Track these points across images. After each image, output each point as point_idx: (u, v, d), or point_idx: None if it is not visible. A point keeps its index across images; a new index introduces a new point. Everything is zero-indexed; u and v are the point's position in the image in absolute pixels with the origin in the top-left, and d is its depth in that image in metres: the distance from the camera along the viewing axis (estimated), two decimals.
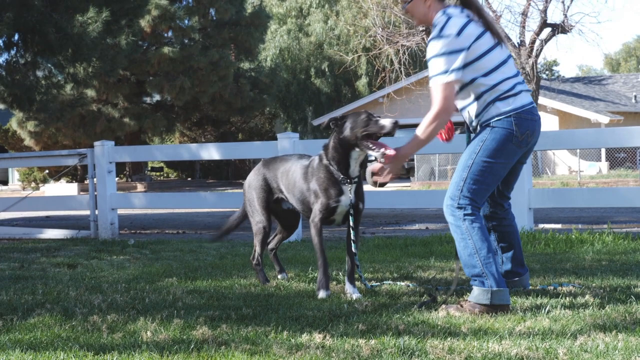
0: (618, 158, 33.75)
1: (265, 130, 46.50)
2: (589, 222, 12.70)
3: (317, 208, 5.78)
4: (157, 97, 37.48)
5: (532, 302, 5.22)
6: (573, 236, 8.90)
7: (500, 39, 5.25)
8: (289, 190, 6.08)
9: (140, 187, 35.73)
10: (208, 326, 4.65)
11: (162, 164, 48.04)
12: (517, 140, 5.13)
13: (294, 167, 6.07)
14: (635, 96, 42.38)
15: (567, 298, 5.33)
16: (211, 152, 11.79)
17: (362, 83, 44.54)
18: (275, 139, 10.67)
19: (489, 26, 5.22)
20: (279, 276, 6.54)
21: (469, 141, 5.46)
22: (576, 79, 47.97)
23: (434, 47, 5.09)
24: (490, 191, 5.23)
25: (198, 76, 33.27)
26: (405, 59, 28.54)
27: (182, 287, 6.12)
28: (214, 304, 5.40)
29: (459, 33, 5.08)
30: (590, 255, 7.62)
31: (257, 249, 6.30)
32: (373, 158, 5.55)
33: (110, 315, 4.96)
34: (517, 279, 5.69)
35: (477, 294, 5.05)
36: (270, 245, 6.66)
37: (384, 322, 4.74)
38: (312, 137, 44.54)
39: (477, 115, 5.21)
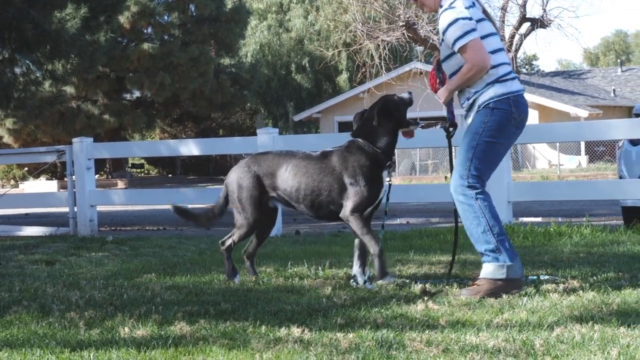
0: (597, 152, 33.93)
1: (246, 126, 46.44)
2: (568, 215, 12.75)
3: (359, 200, 5.64)
4: (137, 94, 37.36)
5: (510, 295, 5.23)
6: (552, 229, 8.93)
7: (497, 29, 5.56)
8: (292, 188, 5.84)
9: (120, 183, 35.60)
10: (186, 321, 4.64)
11: (142, 161, 47.89)
12: (516, 122, 5.36)
13: (303, 163, 5.85)
14: (614, 90, 42.60)
15: (545, 290, 5.35)
16: (190, 148, 11.77)
17: (342, 78, 44.57)
18: (256, 134, 10.65)
19: (488, 16, 5.51)
20: (231, 279, 6.16)
21: (448, 136, 5.75)
22: (556, 73, 48.20)
23: (448, 16, 5.32)
24: (493, 170, 5.45)
25: (178, 72, 33.19)
26: (386, 54, 28.58)
27: (161, 283, 6.11)
28: (193, 300, 5.39)
29: (467, 8, 5.36)
30: (569, 248, 7.66)
31: (235, 238, 6.13)
32: None
33: (88, 312, 4.95)
34: None
35: (492, 270, 5.23)
36: (249, 250, 6.37)
37: (362, 316, 4.74)
38: (293, 132, 44.55)
39: (474, 94, 5.38)
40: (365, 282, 5.76)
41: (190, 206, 6.97)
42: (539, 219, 12.40)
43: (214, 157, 44.88)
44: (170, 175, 45.14)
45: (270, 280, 6.17)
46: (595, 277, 5.84)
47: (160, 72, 32.69)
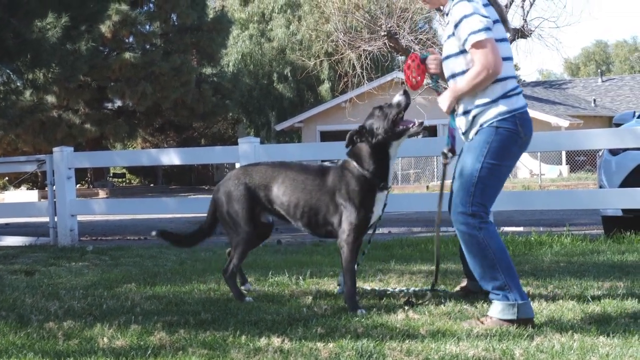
0: (578, 161, 34.09)
1: (228, 136, 46.38)
2: (549, 225, 12.79)
3: (350, 226, 5.28)
4: (118, 103, 37.21)
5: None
6: (532, 238, 8.97)
7: (509, 32, 5.04)
8: (290, 204, 5.52)
9: (102, 193, 35.46)
10: (166, 331, 4.62)
11: (124, 170, 47.73)
12: (521, 141, 4.89)
13: (301, 177, 5.52)
14: (595, 100, 42.85)
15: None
16: (172, 157, 11.73)
17: (324, 88, 44.59)
18: (238, 144, 10.63)
19: (503, 18, 5.03)
20: (242, 287, 6.01)
21: (445, 161, 5.26)
22: (537, 83, 48.41)
23: (465, 8, 4.81)
24: (497, 195, 4.92)
25: (160, 82, 33.09)
26: (367, 63, 28.63)
27: (141, 293, 6.08)
28: (173, 309, 5.37)
29: (485, 6, 4.91)
30: (549, 257, 7.69)
31: (235, 261, 5.71)
32: None
33: (67, 322, 4.91)
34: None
35: (502, 309, 4.70)
36: (226, 266, 5.95)
37: (342, 325, 4.74)
38: (275, 141, 44.50)
39: (476, 108, 4.89)
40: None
41: (170, 216, 6.89)
42: (521, 229, 12.43)
43: (196, 167, 44.79)
44: (152, 185, 44.98)
45: (251, 290, 6.15)
46: (575, 287, 5.86)
47: (142, 81, 32.58)
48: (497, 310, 4.73)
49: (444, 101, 5.02)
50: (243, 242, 5.66)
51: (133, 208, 12.78)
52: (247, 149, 10.29)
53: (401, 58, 32.30)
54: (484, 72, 4.74)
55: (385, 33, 26.98)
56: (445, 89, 5.12)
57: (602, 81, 47.37)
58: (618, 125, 10.36)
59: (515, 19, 31.40)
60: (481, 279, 4.84)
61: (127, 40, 34.21)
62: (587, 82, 49.17)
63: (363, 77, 28.92)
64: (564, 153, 33.68)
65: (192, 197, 26.70)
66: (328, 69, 41.35)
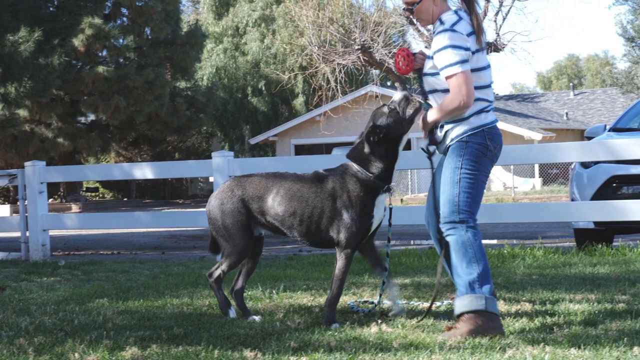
0: (551, 174, 34.29)
1: (202, 150, 46.28)
2: (522, 237, 12.85)
3: (350, 235, 5.22)
4: (91, 117, 37.06)
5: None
6: (505, 251, 9.00)
7: (488, 56, 5.20)
8: (285, 214, 5.38)
9: (74, 207, 35.23)
10: (138, 347, 4.59)
11: (97, 185, 47.47)
12: (491, 154, 5.14)
13: (297, 186, 5.41)
14: (567, 113, 43.17)
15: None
16: (145, 171, 11.68)
17: (299, 101, 44.63)
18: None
19: (480, 29, 5.20)
20: (249, 318, 5.49)
21: (430, 156, 5.38)
22: (510, 97, 48.72)
23: (445, 39, 5.03)
24: (479, 204, 5.16)
25: (133, 95, 32.99)
26: (342, 77, 28.67)
27: (113, 308, 6.04)
28: (145, 324, 5.34)
29: (468, 35, 5.09)
30: (522, 270, 7.72)
31: (224, 267, 5.55)
32: None
33: (38, 338, 4.87)
34: None
35: (470, 301, 4.88)
36: (237, 286, 5.72)
37: (316, 339, 4.73)
38: (249, 155, 44.48)
39: (448, 123, 5.13)
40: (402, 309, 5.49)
41: (144, 230, 6.85)
42: (494, 241, 12.49)
43: (170, 181, 44.63)
44: (125, 199, 44.76)
45: None
46: (547, 299, 5.88)
47: (115, 95, 32.46)
48: (465, 303, 4.88)
49: (424, 126, 5.20)
50: (237, 252, 5.49)
51: (106, 222, 12.70)
52: (221, 163, 10.27)
53: (375, 72, 32.39)
54: (456, 102, 4.99)
55: (359, 47, 27.07)
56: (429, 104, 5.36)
57: (574, 95, 47.77)
58: (589, 138, 10.44)
59: (488, 33, 31.57)
60: (459, 273, 4.98)
61: (100, 54, 34.11)
62: (560, 95, 49.56)
63: (337, 90, 28.95)
64: (536, 166, 33.88)
65: (165, 211, 26.59)
66: (302, 82, 41.43)
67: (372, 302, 5.73)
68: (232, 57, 46.32)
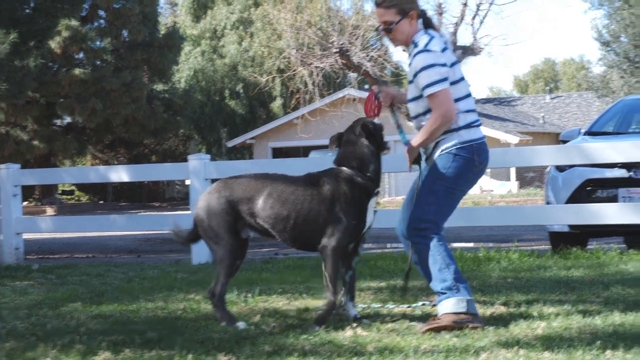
0: (527, 177, 34.45)
1: (179, 152, 46.14)
2: (498, 240, 12.89)
3: (342, 236, 5.20)
4: (67, 120, 36.84)
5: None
6: (480, 254, 9.02)
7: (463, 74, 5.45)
8: (278, 217, 5.30)
9: (50, 210, 35.01)
10: (111, 351, 4.57)
11: (73, 187, 47.20)
12: (476, 170, 5.33)
13: (290, 189, 5.35)
14: (543, 117, 43.39)
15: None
16: (120, 174, 11.62)
17: (276, 104, 44.65)
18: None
19: (454, 59, 5.41)
20: (231, 325, 5.32)
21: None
22: (487, 100, 48.91)
23: (423, 59, 5.22)
24: (449, 215, 5.37)
25: (110, 98, 32.82)
26: (319, 80, 28.68)
27: (87, 312, 6.00)
28: (119, 329, 5.31)
29: (442, 51, 5.27)
30: (497, 273, 7.73)
31: (221, 279, 5.39)
32: None
33: (9, 343, 4.83)
34: None
35: (453, 304, 5.08)
36: (213, 289, 5.49)
37: (290, 343, 4.72)
38: (227, 158, 44.41)
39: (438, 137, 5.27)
40: (356, 316, 5.43)
41: (120, 234, 6.79)
42: (471, 244, 12.52)
43: (147, 184, 44.45)
44: (101, 202, 44.55)
45: (199, 308, 6.10)
46: (521, 302, 5.90)
47: (92, 97, 32.28)
48: (449, 305, 5.09)
49: (410, 154, 5.35)
50: (228, 254, 5.38)
51: (81, 225, 12.61)
52: (197, 166, 10.24)
53: (353, 75, 32.43)
54: (440, 119, 5.17)
55: (337, 50, 27.08)
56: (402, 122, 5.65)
57: (551, 98, 48.03)
58: (565, 142, 10.49)
59: (465, 37, 31.69)
60: (433, 280, 5.19)
61: (77, 56, 33.91)
62: (536, 99, 49.82)
63: (315, 93, 28.97)
64: (513, 169, 34.03)
65: (141, 214, 26.48)
66: (280, 85, 41.42)
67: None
68: (209, 59, 46.27)
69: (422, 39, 5.31)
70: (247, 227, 5.47)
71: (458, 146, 5.24)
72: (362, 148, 5.39)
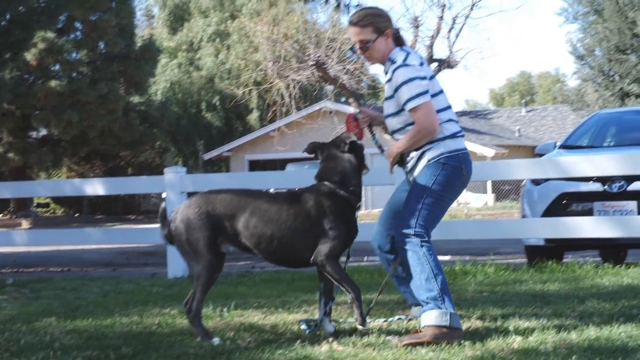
0: (503, 190, 34.58)
1: (155, 165, 45.97)
2: (475, 253, 12.91)
3: (333, 248, 5.16)
4: (43, 132, 36.70)
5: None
6: (456, 268, 9.03)
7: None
8: (263, 236, 5.20)
9: (25, 223, 34.79)
10: None
11: (48, 200, 46.92)
12: (463, 178, 5.42)
13: (274, 207, 5.24)
14: (519, 130, 43.63)
15: None
16: (96, 187, 11.56)
17: (253, 117, 44.64)
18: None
19: (431, 72, 5.50)
20: (207, 341, 5.22)
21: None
22: (463, 113, 49.12)
23: (403, 74, 5.29)
24: (437, 223, 5.43)
25: (86, 110, 32.73)
26: (296, 93, 28.71)
27: (61, 327, 5.95)
28: (93, 344, 5.26)
29: (421, 65, 5.37)
30: (473, 287, 7.74)
31: (198, 295, 5.27)
32: None
33: None
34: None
35: (436, 316, 5.08)
36: (190, 304, 5.37)
37: (266, 358, 4.71)
38: (203, 170, 44.33)
39: (423, 146, 5.33)
40: (332, 332, 5.41)
41: (95, 247, 6.73)
42: (447, 257, 12.53)
43: (123, 196, 44.22)
44: (77, 215, 44.30)
45: (174, 322, 6.07)
46: (497, 316, 5.90)
47: (68, 109, 32.17)
48: (432, 317, 5.09)
49: (390, 156, 5.47)
50: (206, 271, 5.25)
51: (56, 239, 12.52)
52: (173, 179, 10.20)
53: (329, 87, 32.49)
54: (423, 131, 5.26)
55: (314, 62, 27.13)
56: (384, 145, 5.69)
57: (526, 111, 48.35)
58: (540, 155, 10.54)
59: (441, 50, 31.84)
60: (417, 289, 5.20)
61: (53, 68, 33.83)
62: (512, 112, 50.12)
63: (292, 106, 28.99)
64: (489, 182, 34.16)
65: (117, 228, 26.38)
66: (257, 98, 41.45)
67: (314, 320, 5.67)
68: (186, 72, 46.24)
69: (399, 55, 5.39)
70: (228, 243, 5.37)
71: (446, 155, 5.31)
72: (344, 163, 5.39)
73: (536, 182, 9.79)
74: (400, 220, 5.33)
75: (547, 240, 9.55)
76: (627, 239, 9.17)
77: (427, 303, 5.15)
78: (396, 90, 5.32)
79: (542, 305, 6.40)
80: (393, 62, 5.39)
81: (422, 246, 5.21)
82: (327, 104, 34.17)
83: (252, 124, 44.41)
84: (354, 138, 5.45)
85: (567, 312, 6.07)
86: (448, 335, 5.03)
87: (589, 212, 9.32)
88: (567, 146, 10.66)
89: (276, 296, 7.51)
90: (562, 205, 9.52)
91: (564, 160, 9.28)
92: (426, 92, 5.26)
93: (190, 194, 10.47)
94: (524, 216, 9.95)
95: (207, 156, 41.74)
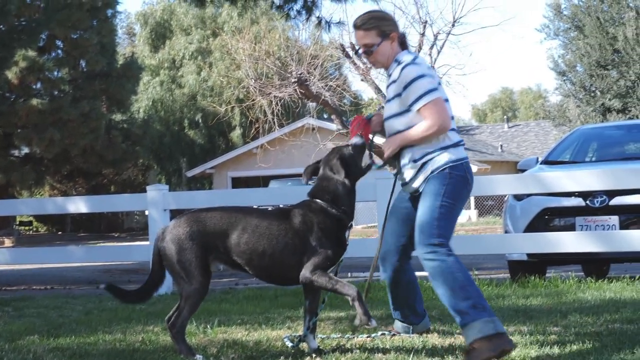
0: (486, 206, 34.69)
1: (138, 182, 45.89)
2: None
3: (322, 264, 5.06)
4: (25, 150, 36.53)
5: (401, 345, 5.26)
6: None
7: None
8: (254, 253, 5.12)
9: (7, 242, 34.60)
10: None
11: (31, 218, 46.71)
12: (469, 187, 5.33)
13: (265, 223, 5.16)
14: (502, 145, 43.82)
15: (431, 345, 5.40)
16: (78, 205, 11.54)
17: (236, 134, 44.62)
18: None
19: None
20: (190, 358, 5.22)
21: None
22: None
23: (414, 71, 5.23)
24: (453, 231, 5.29)
25: (68, 128, 32.62)
26: (278, 110, 28.73)
27: (44, 345, 5.92)
28: None
29: (430, 68, 5.36)
30: None
31: (185, 313, 5.20)
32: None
33: None
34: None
35: (481, 327, 4.89)
36: (174, 320, 5.29)
37: None
38: (186, 188, 44.26)
39: (425, 155, 5.26)
40: (316, 348, 5.36)
41: (78, 265, 6.71)
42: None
43: (106, 214, 44.11)
44: (60, 233, 44.13)
45: (158, 340, 6.05)
46: None
47: (50, 127, 32.05)
48: (476, 330, 4.89)
49: (391, 144, 5.36)
50: (197, 292, 5.15)
51: (39, 257, 12.48)
52: (156, 196, 10.19)
53: (312, 104, 32.54)
54: (435, 127, 5.16)
55: (296, 79, 27.17)
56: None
57: (509, 127, 48.58)
58: (522, 170, 10.59)
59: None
60: (452, 299, 5.02)
61: (34, 87, 33.72)
62: (494, 128, 50.34)
63: (274, 123, 28.98)
64: (472, 198, 34.27)
65: (100, 245, 26.26)
66: (239, 115, 41.45)
67: (298, 336, 5.67)
68: (168, 89, 46.22)
69: (407, 57, 5.37)
70: (218, 261, 5.29)
71: (450, 164, 5.23)
72: (336, 183, 5.27)
73: (518, 197, 9.83)
74: (421, 235, 5.18)
75: (530, 255, 9.59)
76: (609, 254, 9.23)
77: (465, 314, 4.96)
78: (405, 87, 5.24)
79: (524, 320, 6.43)
80: (400, 62, 5.36)
81: (449, 255, 5.09)
82: (310, 121, 34.18)
83: (235, 141, 44.39)
84: (348, 153, 5.33)
85: (549, 326, 6.09)
86: (501, 343, 4.86)
87: (571, 227, 9.37)
88: (549, 162, 10.73)
89: (259, 313, 7.51)
90: (545, 221, 9.57)
91: (546, 175, 9.34)
92: (437, 89, 5.21)
93: (173, 212, 10.49)
94: (506, 231, 9.99)
95: (190, 173, 41.69)
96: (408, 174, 5.38)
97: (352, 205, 5.32)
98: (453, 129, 5.35)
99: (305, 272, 5.08)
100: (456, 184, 5.23)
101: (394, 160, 5.49)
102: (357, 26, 5.41)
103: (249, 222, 5.18)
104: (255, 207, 5.54)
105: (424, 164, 5.28)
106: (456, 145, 5.32)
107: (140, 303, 6.04)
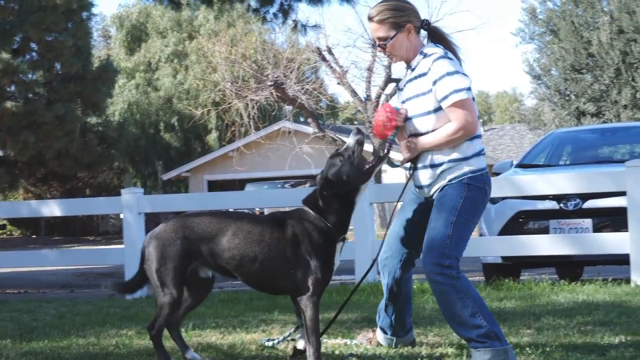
0: None
1: (114, 185, 45.70)
2: None
3: (316, 284, 4.79)
4: None
5: (373, 353, 5.27)
6: (414, 286, 9.04)
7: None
8: (244, 259, 4.88)
9: None
10: None
11: (5, 222, 46.35)
12: (487, 199, 4.99)
13: (257, 229, 4.92)
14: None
15: (407, 348, 5.41)
16: (52, 208, 11.47)
17: (212, 137, 44.57)
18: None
19: None
20: (188, 356, 5.26)
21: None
22: None
23: (447, 65, 4.85)
24: (465, 247, 4.91)
25: (43, 131, 32.46)
26: (255, 113, 28.74)
27: (17, 349, 5.88)
28: None
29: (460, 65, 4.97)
30: (430, 305, 7.77)
31: (160, 320, 5.05)
32: None
33: None
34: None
35: (492, 356, 4.69)
36: (152, 322, 5.19)
37: None
38: (162, 191, 44.15)
39: (445, 163, 4.89)
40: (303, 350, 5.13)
41: (52, 268, 6.65)
42: None
43: (81, 217, 43.86)
44: (34, 236, 43.82)
45: (132, 343, 6.03)
46: (454, 334, 5.92)
47: (24, 130, 31.88)
48: (487, 357, 4.69)
49: (410, 149, 4.98)
50: (169, 305, 4.96)
51: (12, 261, 12.40)
52: (130, 200, 10.15)
53: (288, 108, 32.57)
54: (462, 130, 4.80)
55: (272, 83, 27.20)
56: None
57: (484, 130, 48.72)
58: (497, 174, 10.64)
59: (399, 70, 32.07)
60: (461, 326, 4.80)
61: (8, 89, 33.52)
62: None
63: (250, 126, 29.01)
64: None
65: (74, 249, 26.14)
66: (215, 118, 41.37)
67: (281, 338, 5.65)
68: (144, 92, 46.11)
69: (436, 50, 4.99)
70: (206, 267, 5.07)
71: (469, 175, 4.87)
72: (329, 194, 4.88)
73: (493, 200, 9.85)
74: (430, 252, 4.85)
75: (504, 258, 9.64)
76: (583, 256, 9.31)
77: (477, 342, 4.75)
78: (435, 82, 4.85)
79: (498, 323, 6.43)
80: (427, 55, 4.97)
81: (458, 277, 4.76)
82: (286, 124, 34.22)
83: (211, 145, 44.34)
84: (335, 172, 4.85)
85: (523, 329, 6.13)
86: None
87: (545, 230, 9.43)
88: (523, 165, 10.78)
89: (234, 316, 7.49)
90: (519, 224, 9.62)
91: (520, 179, 9.39)
92: (470, 89, 4.84)
93: (148, 215, 10.45)
94: (481, 234, 10.02)
95: (166, 177, 41.58)
96: (424, 178, 5.00)
97: (347, 218, 4.94)
98: (478, 136, 4.98)
99: (305, 296, 4.83)
100: (474, 197, 4.86)
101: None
102: (371, 18, 5.03)
103: (240, 228, 4.94)
104: (246, 211, 5.33)
105: (442, 171, 4.91)
106: (478, 154, 4.96)
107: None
